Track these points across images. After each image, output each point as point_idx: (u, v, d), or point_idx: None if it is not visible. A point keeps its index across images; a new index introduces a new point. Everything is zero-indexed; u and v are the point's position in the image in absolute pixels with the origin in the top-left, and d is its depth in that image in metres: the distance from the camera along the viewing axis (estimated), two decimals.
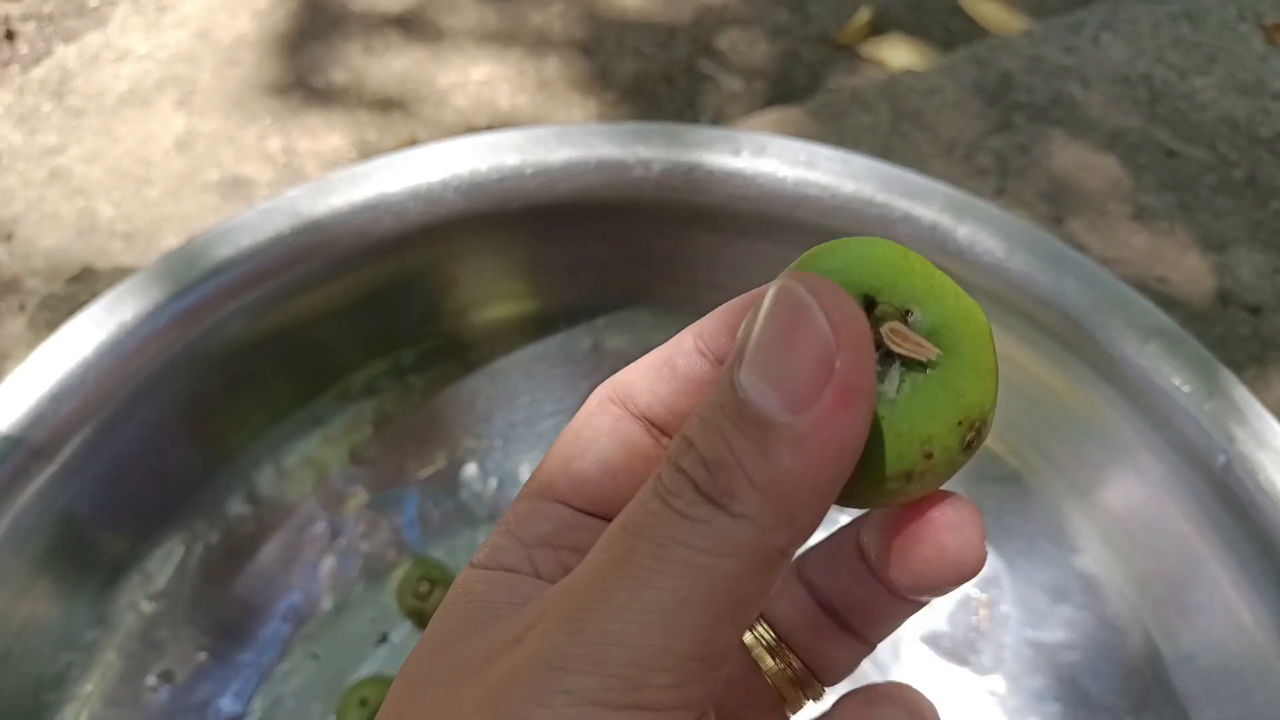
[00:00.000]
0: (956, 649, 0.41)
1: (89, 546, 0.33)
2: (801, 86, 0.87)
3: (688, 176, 0.37)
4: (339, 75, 0.81)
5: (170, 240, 0.70)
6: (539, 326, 0.42)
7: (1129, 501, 0.36)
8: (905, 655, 0.41)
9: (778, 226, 0.38)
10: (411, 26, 0.85)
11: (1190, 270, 0.70)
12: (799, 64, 0.87)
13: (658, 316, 0.42)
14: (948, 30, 0.90)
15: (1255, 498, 0.32)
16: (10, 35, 0.88)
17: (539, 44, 0.85)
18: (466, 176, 0.36)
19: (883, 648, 0.42)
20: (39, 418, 0.31)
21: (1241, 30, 0.83)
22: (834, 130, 0.73)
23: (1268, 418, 0.33)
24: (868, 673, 0.41)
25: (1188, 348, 0.34)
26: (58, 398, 0.31)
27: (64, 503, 0.32)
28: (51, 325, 0.54)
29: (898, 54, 0.87)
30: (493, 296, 0.40)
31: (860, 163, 0.37)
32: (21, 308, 0.70)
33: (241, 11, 0.84)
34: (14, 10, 0.90)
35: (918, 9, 0.90)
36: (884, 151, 0.73)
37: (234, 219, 0.34)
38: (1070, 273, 0.35)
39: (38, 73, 0.83)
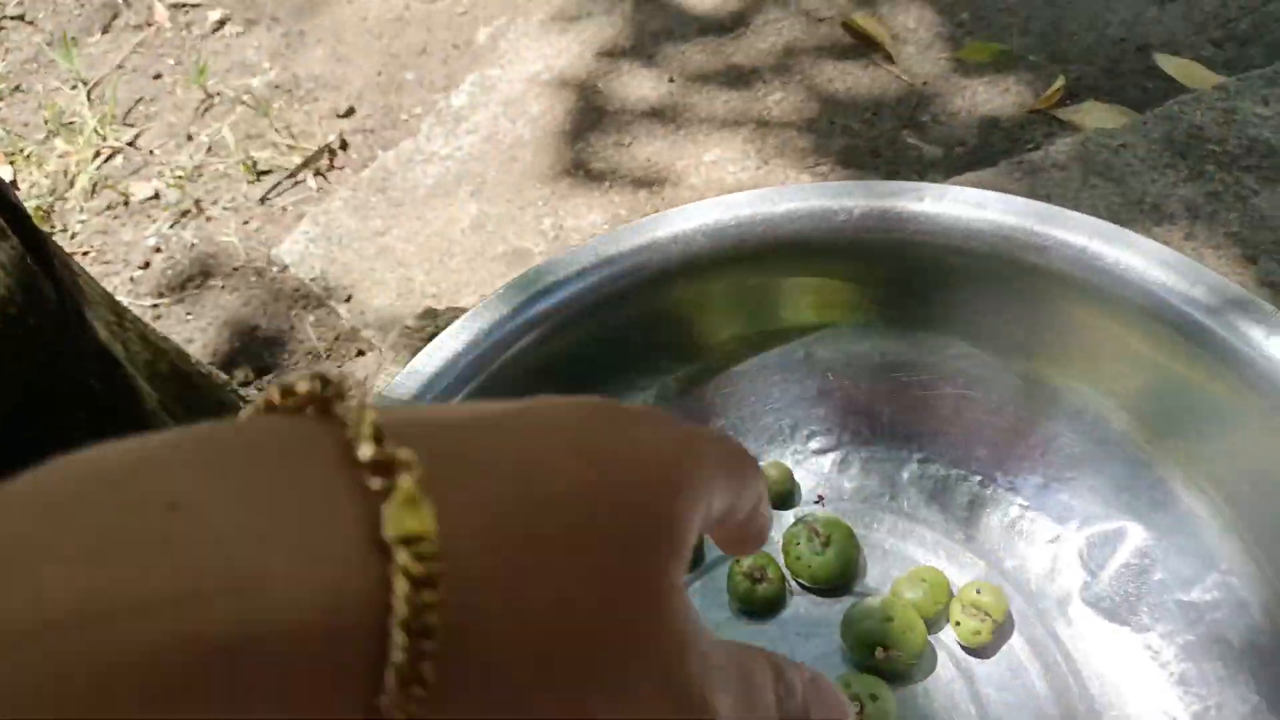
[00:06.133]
0: (1116, 610, 0.48)
1: None
2: (999, 151, 0.95)
3: (881, 218, 0.48)
4: (596, 164, 0.98)
5: (469, 298, 0.89)
6: (763, 340, 0.54)
7: (1256, 479, 0.43)
8: (1072, 614, 0.49)
9: (952, 255, 0.48)
10: (654, 122, 1.01)
11: None
12: (997, 130, 0.96)
13: (854, 331, 0.53)
14: (1143, 90, 0.96)
15: None
16: (344, 145, 1.13)
17: (760, 127, 0.99)
18: (711, 224, 0.49)
19: (1049, 604, 0.49)
20: (428, 385, 0.46)
21: None
22: (1025, 186, 0.81)
23: None
24: (1036, 634, 0.49)
25: None
26: (439, 376, 0.46)
27: None
28: (409, 350, 0.72)
29: (1093, 116, 0.93)
30: (734, 317, 0.53)
31: (1021, 202, 0.47)
32: (360, 353, 0.90)
33: (520, 119, 1.04)
34: (346, 126, 1.15)
35: (1112, 72, 0.97)
36: (1074, 205, 0.80)
37: (552, 259, 0.49)
38: (1202, 281, 0.43)
39: (366, 174, 1.06)
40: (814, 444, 0.55)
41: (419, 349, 0.63)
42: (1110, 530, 0.49)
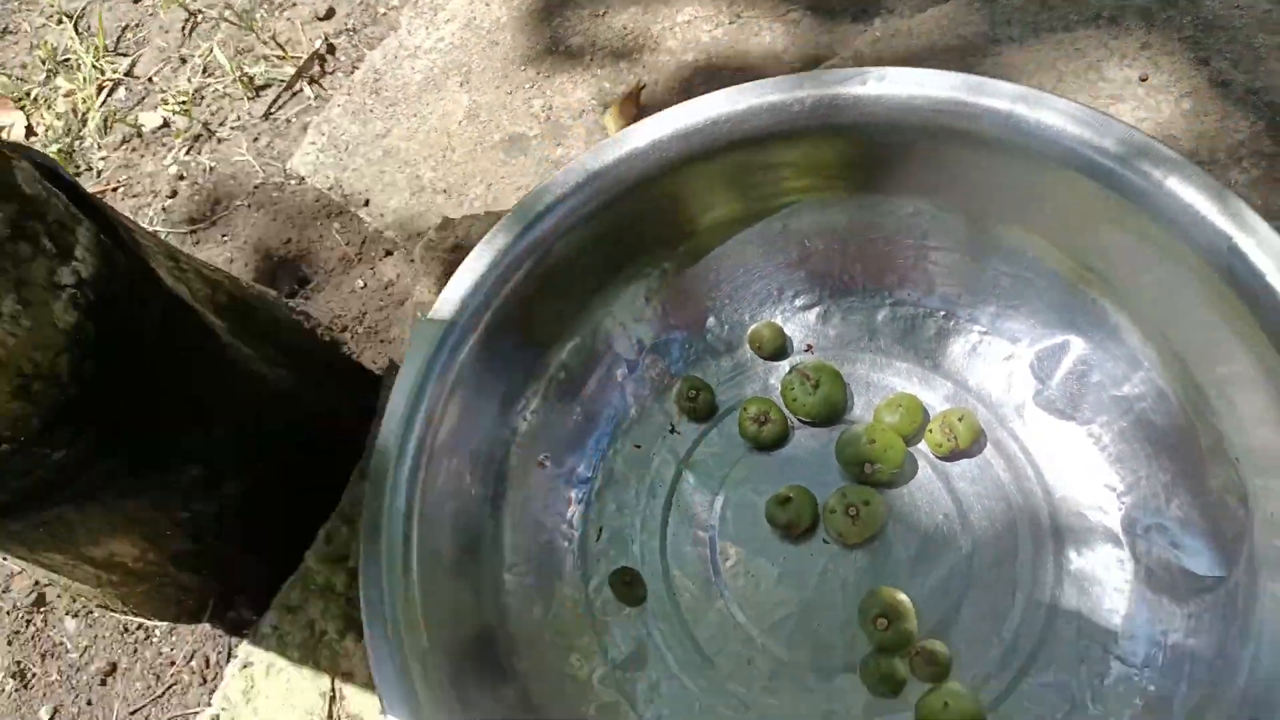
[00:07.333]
0: (1063, 409, 0.58)
1: (496, 381, 0.58)
2: None
3: (832, 104, 0.54)
4: (575, 39, 1.02)
5: (476, 190, 0.95)
6: (743, 220, 0.61)
7: (1166, 294, 0.51)
8: (1027, 417, 0.58)
9: (896, 129, 0.54)
10: None
11: None
12: None
13: (821, 204, 0.60)
14: None
15: (1251, 279, 0.46)
16: (331, 49, 1.16)
17: None
18: (683, 128, 0.56)
19: (1007, 410, 0.59)
20: (461, 306, 0.54)
21: None
22: (986, 14, 0.85)
23: (1255, 215, 0.46)
24: (998, 436, 0.59)
25: (1198, 178, 0.48)
26: (473, 292, 0.54)
27: (486, 358, 0.56)
28: (436, 260, 0.79)
29: None
30: (713, 204, 0.60)
31: (953, 77, 0.53)
32: (388, 253, 0.97)
33: (495, 0, 1.07)
34: (328, 28, 1.18)
35: None
36: (1034, 25, 0.84)
37: (548, 180, 0.56)
38: (1111, 134, 0.50)
39: (357, 76, 1.11)
40: (799, 302, 0.64)
41: (443, 259, 0.71)
42: (1055, 345, 0.58)
